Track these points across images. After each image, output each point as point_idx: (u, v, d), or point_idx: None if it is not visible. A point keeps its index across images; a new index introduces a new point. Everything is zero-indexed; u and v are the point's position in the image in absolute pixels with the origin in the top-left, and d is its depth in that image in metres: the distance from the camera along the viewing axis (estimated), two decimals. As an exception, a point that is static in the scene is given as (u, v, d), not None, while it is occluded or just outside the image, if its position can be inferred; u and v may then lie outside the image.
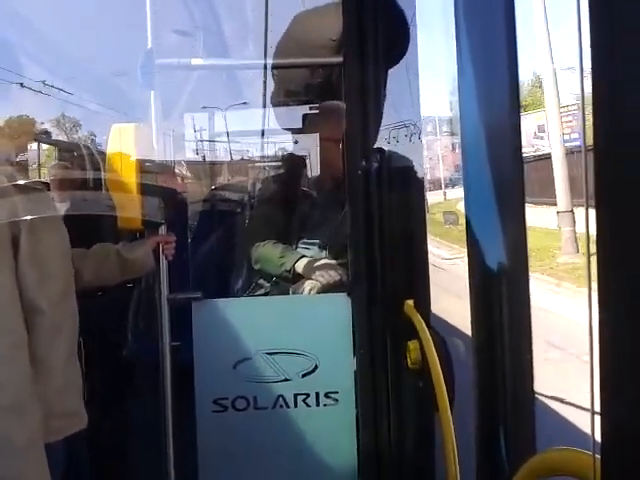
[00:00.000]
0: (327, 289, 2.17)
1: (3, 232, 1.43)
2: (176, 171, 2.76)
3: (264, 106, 3.01)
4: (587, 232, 0.54)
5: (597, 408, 0.54)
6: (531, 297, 1.28)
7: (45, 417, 1.46)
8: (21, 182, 1.56)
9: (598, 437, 0.57)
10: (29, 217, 1.47)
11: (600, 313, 0.53)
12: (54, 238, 1.60)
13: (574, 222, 11.51)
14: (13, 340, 1.43)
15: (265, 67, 2.29)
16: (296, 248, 2.33)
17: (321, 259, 2.29)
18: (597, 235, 0.51)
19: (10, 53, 1.64)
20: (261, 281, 2.38)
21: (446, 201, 27.59)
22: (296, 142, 2.46)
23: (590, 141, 0.52)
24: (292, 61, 2.27)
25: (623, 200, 0.50)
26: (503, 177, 1.28)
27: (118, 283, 1.98)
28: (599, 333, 0.53)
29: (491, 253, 1.31)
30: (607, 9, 0.49)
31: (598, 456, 0.57)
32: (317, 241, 2.33)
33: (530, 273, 1.33)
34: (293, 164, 2.48)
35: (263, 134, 3.42)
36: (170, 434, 1.93)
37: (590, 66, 0.50)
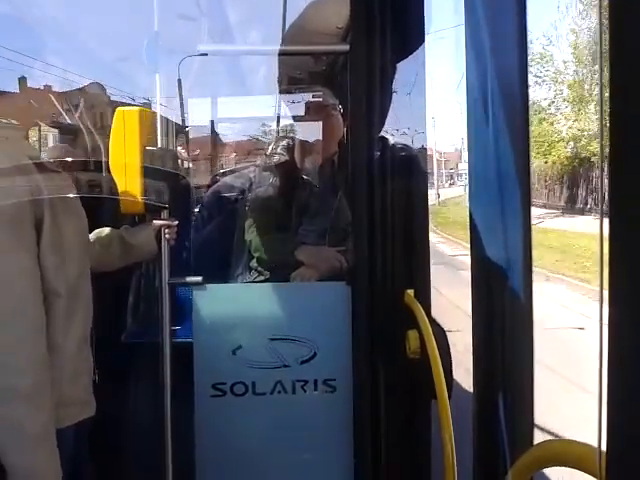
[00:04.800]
0: (326, 277, 2.19)
1: (26, 216, 1.43)
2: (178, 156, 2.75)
3: (267, 93, 3.01)
4: (601, 240, 0.54)
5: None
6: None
7: (57, 404, 1.46)
8: (44, 162, 1.56)
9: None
10: (51, 197, 1.46)
11: (610, 314, 0.54)
12: (75, 223, 1.60)
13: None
14: (34, 324, 1.42)
15: (270, 54, 2.28)
16: (296, 235, 2.34)
17: (321, 247, 2.30)
18: (610, 243, 0.51)
19: (15, 34, 1.62)
20: (260, 268, 2.39)
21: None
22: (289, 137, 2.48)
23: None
24: (298, 48, 2.26)
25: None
26: (509, 172, 1.29)
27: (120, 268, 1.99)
28: (608, 332, 0.54)
29: (494, 249, 1.32)
30: (628, 24, 0.50)
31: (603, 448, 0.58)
32: (316, 228, 2.34)
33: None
34: (293, 151, 2.47)
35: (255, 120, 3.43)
36: (169, 417, 1.94)
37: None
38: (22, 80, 1.64)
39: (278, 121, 3.25)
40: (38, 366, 1.41)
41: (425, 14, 1.81)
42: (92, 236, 1.88)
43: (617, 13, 0.51)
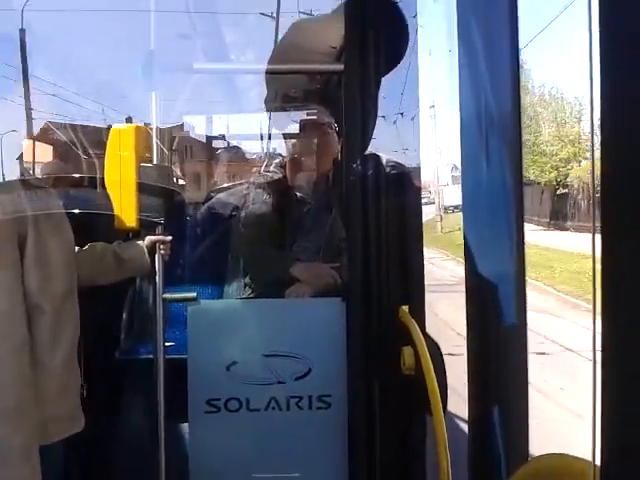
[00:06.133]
0: (321, 293, 2.19)
1: (9, 233, 1.42)
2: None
3: (261, 111, 3.03)
4: (593, 251, 0.55)
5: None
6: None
7: (44, 420, 1.45)
8: (27, 179, 1.56)
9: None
10: (35, 214, 1.46)
11: (603, 323, 0.55)
12: (59, 240, 1.60)
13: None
14: (15, 342, 1.41)
15: (266, 72, 2.31)
16: (290, 251, 2.35)
17: (315, 263, 2.30)
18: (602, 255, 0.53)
19: (14, 51, 1.64)
20: (254, 285, 2.39)
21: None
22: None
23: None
24: (292, 67, 2.28)
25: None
26: (501, 185, 1.30)
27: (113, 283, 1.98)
28: (602, 340, 0.55)
29: (488, 262, 1.33)
30: (620, 36, 0.51)
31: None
32: (310, 245, 2.35)
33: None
34: (287, 169, 2.49)
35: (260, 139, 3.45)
36: (163, 433, 1.93)
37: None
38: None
39: (261, 138, 3.27)
40: (20, 384, 1.40)
41: (418, 34, 1.84)
42: (84, 250, 1.87)
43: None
